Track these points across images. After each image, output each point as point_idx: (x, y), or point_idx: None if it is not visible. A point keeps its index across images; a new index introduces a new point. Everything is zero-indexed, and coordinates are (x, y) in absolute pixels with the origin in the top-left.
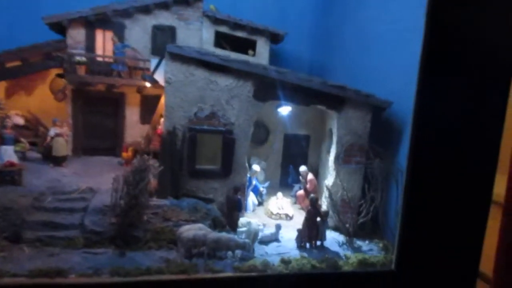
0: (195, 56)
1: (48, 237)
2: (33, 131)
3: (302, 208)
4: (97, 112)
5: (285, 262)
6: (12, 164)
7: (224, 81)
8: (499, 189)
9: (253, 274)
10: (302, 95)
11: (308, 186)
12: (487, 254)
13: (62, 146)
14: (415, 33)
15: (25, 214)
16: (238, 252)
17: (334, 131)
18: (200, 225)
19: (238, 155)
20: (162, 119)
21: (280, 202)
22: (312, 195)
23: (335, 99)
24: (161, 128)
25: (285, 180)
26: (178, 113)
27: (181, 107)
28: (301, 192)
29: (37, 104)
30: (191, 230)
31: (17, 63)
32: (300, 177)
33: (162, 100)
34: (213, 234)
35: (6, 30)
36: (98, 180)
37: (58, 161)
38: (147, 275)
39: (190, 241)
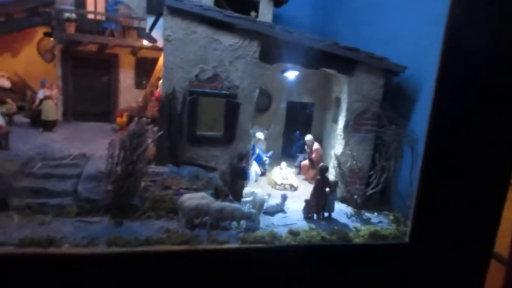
0: (197, 11)
1: (38, 204)
2: (20, 94)
3: (306, 179)
4: (89, 75)
5: (293, 233)
6: None
7: (228, 40)
8: None
9: (261, 245)
10: (312, 57)
11: (313, 156)
12: (503, 236)
13: (52, 110)
14: None
15: (12, 180)
16: (243, 223)
17: (344, 97)
18: (202, 193)
19: (242, 121)
20: (160, 82)
21: (284, 172)
22: (322, 164)
23: (347, 62)
24: (159, 91)
25: (288, 150)
26: (178, 74)
27: (181, 68)
28: (306, 162)
29: (23, 66)
30: (193, 199)
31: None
32: (305, 147)
33: (160, 61)
34: (217, 204)
35: None
36: (91, 147)
37: (47, 125)
38: (146, 245)
39: (192, 211)
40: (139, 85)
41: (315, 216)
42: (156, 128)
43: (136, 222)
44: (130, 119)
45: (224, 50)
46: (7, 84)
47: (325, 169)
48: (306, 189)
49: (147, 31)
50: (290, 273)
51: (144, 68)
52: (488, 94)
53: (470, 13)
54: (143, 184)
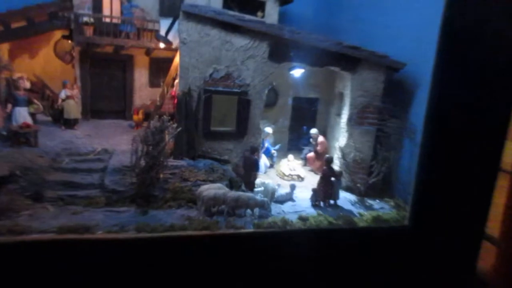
0: (211, 15)
1: (69, 196)
2: (40, 94)
3: (312, 170)
4: (105, 75)
5: (302, 219)
6: (27, 126)
7: (239, 41)
8: (508, 158)
9: (275, 229)
10: (317, 56)
11: (318, 148)
12: (495, 220)
13: (74, 108)
14: None
15: (44, 174)
16: (257, 210)
17: (347, 92)
18: (219, 184)
19: (253, 117)
20: (176, 81)
21: (292, 164)
22: (327, 155)
23: (350, 60)
24: (175, 90)
25: (294, 143)
26: (193, 74)
27: (196, 68)
28: (311, 154)
29: (41, 66)
30: (211, 189)
31: (21, 23)
32: (311, 140)
33: (175, 61)
34: (233, 193)
35: None
36: (111, 142)
37: (69, 123)
38: (172, 231)
39: (210, 200)
40: (152, 83)
41: (322, 203)
42: (175, 125)
43: (159, 211)
44: (146, 116)
45: (235, 51)
46: (27, 84)
47: (330, 160)
48: (312, 179)
49: (162, 33)
50: (301, 254)
51: (157, 67)
52: (481, 87)
53: (465, 13)
54: (163, 176)
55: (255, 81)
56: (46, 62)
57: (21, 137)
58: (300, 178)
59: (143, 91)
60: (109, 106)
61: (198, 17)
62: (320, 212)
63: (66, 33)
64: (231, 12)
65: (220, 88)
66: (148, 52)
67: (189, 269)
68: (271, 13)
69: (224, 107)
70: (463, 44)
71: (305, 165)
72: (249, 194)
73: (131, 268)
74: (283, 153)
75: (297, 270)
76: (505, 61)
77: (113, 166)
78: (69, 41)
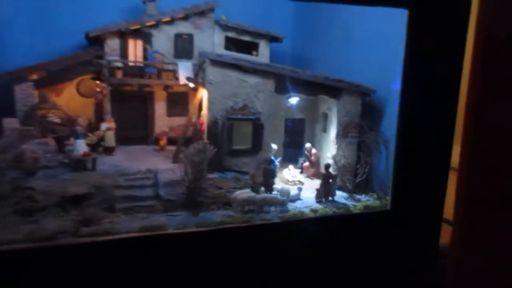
0: (232, 61)
1: (134, 206)
2: (69, 127)
3: (308, 176)
4: (130, 108)
5: (313, 211)
6: (88, 154)
7: (252, 79)
8: (455, 158)
9: (296, 218)
10: (311, 88)
11: (313, 158)
12: (449, 206)
13: (112, 138)
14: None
15: (111, 190)
16: (278, 207)
17: (334, 113)
18: (247, 190)
19: (264, 137)
20: (202, 112)
21: (293, 172)
22: (326, 162)
23: (336, 89)
24: (201, 118)
25: (288, 156)
26: (218, 106)
27: (220, 102)
28: (306, 163)
29: (65, 102)
30: (243, 193)
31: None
32: (306, 152)
33: (199, 95)
34: (260, 195)
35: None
36: (148, 163)
37: (109, 150)
38: (222, 224)
39: (244, 201)
40: (170, 113)
41: (323, 200)
42: (212, 146)
43: (205, 212)
44: (168, 141)
45: (250, 87)
46: (58, 119)
47: (328, 166)
48: (309, 183)
49: (190, 74)
50: (315, 234)
51: (174, 100)
52: (433, 107)
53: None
54: (204, 186)
55: (265, 109)
56: (69, 98)
57: (83, 164)
58: (301, 183)
59: (162, 120)
60: (134, 134)
61: (221, 63)
62: (324, 205)
63: (93, 75)
64: (245, 56)
65: (239, 116)
66: (166, 88)
67: (238, 249)
68: (264, 52)
69: (242, 130)
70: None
71: (301, 172)
72: (272, 195)
73: (196, 253)
74: (281, 164)
75: (313, 244)
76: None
77: (164, 181)
78: (98, 82)
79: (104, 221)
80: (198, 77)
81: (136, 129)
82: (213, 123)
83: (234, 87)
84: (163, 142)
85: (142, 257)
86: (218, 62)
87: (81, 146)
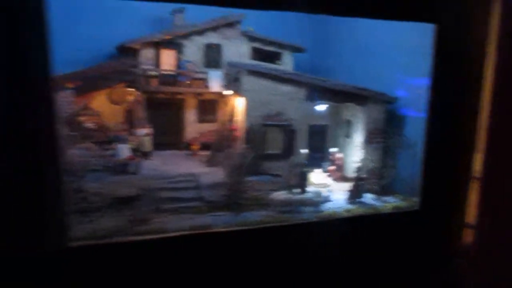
0: (267, 72)
1: (180, 207)
2: (103, 133)
3: (334, 179)
4: (163, 115)
5: (348, 210)
6: (132, 158)
7: (285, 88)
8: (478, 167)
9: (332, 218)
10: (339, 96)
11: (338, 162)
12: (472, 213)
13: (149, 143)
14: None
15: (157, 192)
16: (312, 208)
17: (359, 120)
18: (283, 191)
19: (296, 142)
20: (235, 118)
21: (319, 176)
22: (357, 165)
23: (361, 98)
24: (235, 125)
25: (313, 160)
26: (254, 113)
27: (256, 109)
28: (332, 167)
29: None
30: (280, 195)
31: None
32: (330, 156)
33: (232, 103)
34: (296, 196)
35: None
36: (185, 167)
37: (146, 155)
38: (262, 223)
39: (282, 202)
40: (200, 120)
41: (355, 200)
42: (250, 151)
43: (246, 213)
44: (201, 146)
45: (283, 95)
46: (92, 125)
47: (359, 169)
48: (336, 186)
49: (219, 83)
50: (349, 233)
51: (203, 107)
52: (457, 116)
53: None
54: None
55: (297, 116)
56: (100, 105)
57: (126, 167)
58: (328, 186)
59: (192, 127)
60: (166, 140)
61: (257, 73)
62: (357, 206)
63: (125, 83)
64: (278, 67)
65: (273, 122)
66: (196, 95)
67: (279, 245)
68: (287, 62)
69: (276, 136)
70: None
71: (328, 176)
72: (306, 196)
73: (241, 250)
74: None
75: (346, 242)
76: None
77: (206, 184)
78: (128, 89)
79: (154, 221)
80: (232, 85)
81: (168, 134)
82: (250, 130)
83: (269, 95)
84: (195, 147)
85: (193, 253)
86: (255, 72)
87: (123, 151)
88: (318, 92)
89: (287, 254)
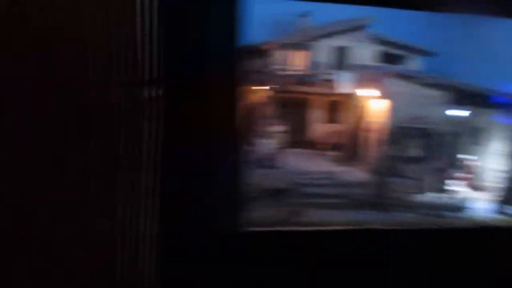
0: (413, 75)
1: (324, 203)
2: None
3: (469, 187)
4: (293, 113)
5: (500, 220)
6: (275, 153)
7: (428, 92)
8: None
9: (485, 225)
10: (480, 101)
11: (471, 170)
12: None
13: (284, 140)
14: None
15: (296, 187)
16: (455, 213)
17: (497, 127)
18: (428, 194)
19: (435, 146)
20: (368, 120)
21: (452, 182)
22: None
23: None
24: (369, 125)
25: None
26: (398, 115)
27: (400, 111)
28: (466, 175)
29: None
30: (424, 197)
31: None
32: (464, 163)
33: (361, 104)
34: (440, 201)
35: None
36: (319, 165)
37: (281, 151)
38: (405, 225)
39: (426, 205)
40: (326, 120)
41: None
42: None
43: (391, 212)
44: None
45: (425, 98)
46: None
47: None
48: (473, 194)
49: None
50: (497, 242)
51: (330, 107)
52: None
53: None
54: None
55: (437, 119)
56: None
57: (273, 162)
58: (461, 193)
59: (318, 126)
60: (294, 138)
61: (405, 77)
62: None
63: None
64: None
65: (414, 125)
66: (324, 95)
67: (430, 249)
68: (415, 65)
69: (415, 138)
70: None
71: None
72: (451, 201)
73: (399, 249)
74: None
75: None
76: None
77: (349, 182)
78: (263, 89)
79: (303, 214)
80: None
81: (296, 133)
82: (393, 130)
83: (412, 97)
84: (326, 146)
85: (354, 249)
86: (403, 76)
87: (268, 145)
88: (463, 96)
89: (443, 258)
